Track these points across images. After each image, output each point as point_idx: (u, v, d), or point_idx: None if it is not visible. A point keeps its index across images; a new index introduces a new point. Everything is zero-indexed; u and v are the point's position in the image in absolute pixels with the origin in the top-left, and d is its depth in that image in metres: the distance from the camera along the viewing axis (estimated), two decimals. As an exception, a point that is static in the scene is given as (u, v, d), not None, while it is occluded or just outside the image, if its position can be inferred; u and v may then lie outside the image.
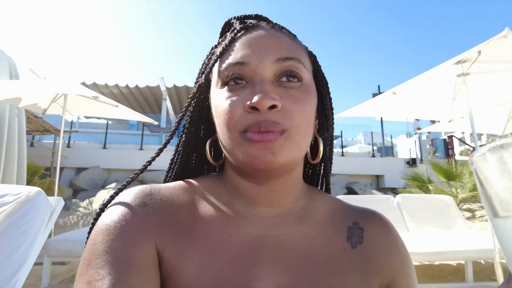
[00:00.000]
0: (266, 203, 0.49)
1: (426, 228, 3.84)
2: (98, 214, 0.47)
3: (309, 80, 0.48)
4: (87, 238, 0.46)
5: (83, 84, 11.13)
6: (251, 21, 0.52)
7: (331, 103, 0.55)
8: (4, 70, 4.38)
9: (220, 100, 0.45)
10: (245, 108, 0.42)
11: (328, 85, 0.55)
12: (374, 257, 0.50)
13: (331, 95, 0.55)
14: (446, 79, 3.10)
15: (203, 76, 0.52)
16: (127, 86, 12.46)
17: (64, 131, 4.44)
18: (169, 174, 0.58)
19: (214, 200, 0.50)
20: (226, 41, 0.48)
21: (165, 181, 0.58)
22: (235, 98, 0.44)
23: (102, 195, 7.18)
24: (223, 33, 0.55)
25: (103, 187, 8.66)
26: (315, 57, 0.54)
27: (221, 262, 0.44)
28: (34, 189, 1.18)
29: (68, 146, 9.45)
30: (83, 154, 9.35)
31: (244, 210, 0.50)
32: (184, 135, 0.54)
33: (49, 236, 3.09)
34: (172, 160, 0.58)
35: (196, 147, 0.56)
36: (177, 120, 0.55)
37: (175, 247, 0.44)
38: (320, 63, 0.55)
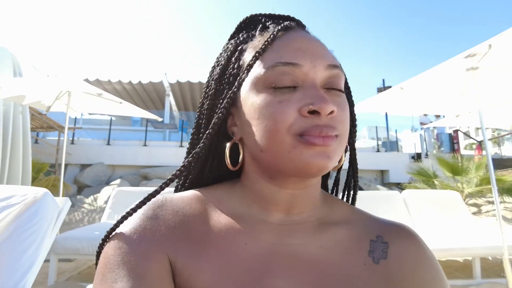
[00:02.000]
0: (286, 208, 0.48)
1: (433, 224, 3.81)
2: (112, 229, 0.46)
3: (344, 90, 0.48)
4: (98, 251, 0.45)
5: (86, 80, 11.13)
6: (290, 22, 0.48)
7: (354, 110, 0.55)
8: (8, 67, 4.38)
9: (265, 102, 0.42)
10: (301, 112, 0.41)
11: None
12: (399, 275, 0.46)
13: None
14: (455, 74, 3.05)
15: (244, 74, 0.46)
16: (130, 82, 12.45)
17: (68, 128, 4.44)
18: (182, 182, 0.55)
19: (229, 208, 0.49)
20: (265, 38, 0.45)
21: (178, 189, 0.55)
22: (287, 101, 0.41)
23: (107, 192, 7.20)
24: (242, 29, 0.52)
25: (107, 183, 8.68)
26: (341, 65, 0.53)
27: (235, 272, 0.43)
28: (41, 190, 1.16)
29: (72, 142, 9.47)
30: (87, 150, 9.37)
31: (260, 217, 0.48)
32: (206, 140, 0.49)
33: (56, 233, 3.10)
34: (186, 167, 0.51)
35: (216, 152, 0.52)
36: (215, 118, 0.48)
37: (187, 258, 0.44)
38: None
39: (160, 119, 5.58)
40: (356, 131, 0.56)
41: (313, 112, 0.41)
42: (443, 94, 3.52)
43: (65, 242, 2.93)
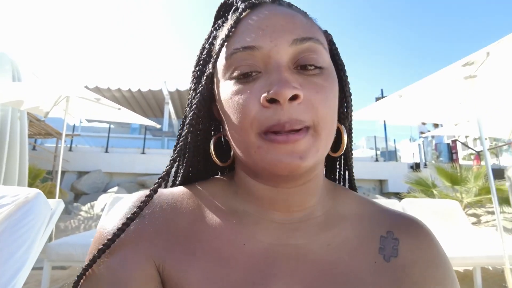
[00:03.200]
0: (285, 207, 0.43)
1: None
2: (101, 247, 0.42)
3: (329, 64, 0.41)
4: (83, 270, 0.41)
5: (86, 87, 11.15)
6: None
7: (349, 88, 0.49)
8: (7, 73, 4.38)
9: (229, 94, 0.39)
10: (262, 103, 0.36)
11: (345, 68, 0.48)
12: (410, 274, 0.42)
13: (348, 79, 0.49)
14: (453, 82, 3.05)
15: (210, 65, 0.43)
16: (129, 90, 12.48)
17: (66, 135, 4.42)
18: (174, 180, 0.51)
19: (223, 205, 0.44)
20: (231, 21, 0.41)
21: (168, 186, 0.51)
22: (247, 91, 0.37)
23: (104, 199, 7.13)
24: (220, 16, 0.49)
25: (104, 191, 8.61)
26: (331, 36, 0.47)
27: (232, 275, 0.39)
28: (33, 191, 1.14)
29: (70, 149, 9.42)
30: (85, 158, 9.31)
31: (258, 216, 0.43)
32: (190, 134, 0.46)
33: (50, 240, 3.06)
34: (177, 164, 0.50)
35: (203, 147, 0.49)
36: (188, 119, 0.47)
37: (176, 260, 0.39)
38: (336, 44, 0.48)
39: (158, 126, 5.57)
40: (350, 111, 0.49)
41: (273, 101, 0.36)
42: (442, 102, 3.52)
43: (59, 248, 2.86)
